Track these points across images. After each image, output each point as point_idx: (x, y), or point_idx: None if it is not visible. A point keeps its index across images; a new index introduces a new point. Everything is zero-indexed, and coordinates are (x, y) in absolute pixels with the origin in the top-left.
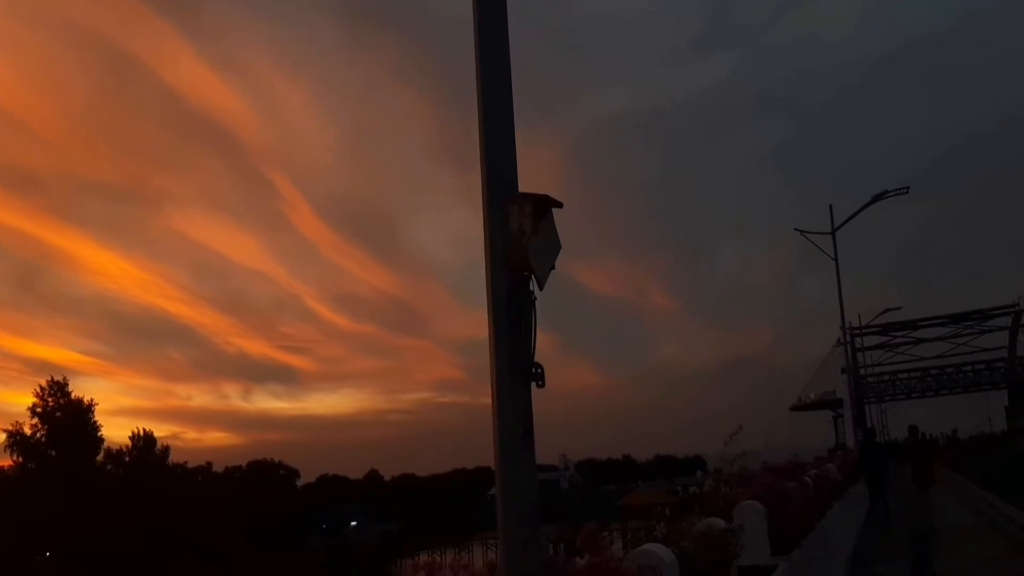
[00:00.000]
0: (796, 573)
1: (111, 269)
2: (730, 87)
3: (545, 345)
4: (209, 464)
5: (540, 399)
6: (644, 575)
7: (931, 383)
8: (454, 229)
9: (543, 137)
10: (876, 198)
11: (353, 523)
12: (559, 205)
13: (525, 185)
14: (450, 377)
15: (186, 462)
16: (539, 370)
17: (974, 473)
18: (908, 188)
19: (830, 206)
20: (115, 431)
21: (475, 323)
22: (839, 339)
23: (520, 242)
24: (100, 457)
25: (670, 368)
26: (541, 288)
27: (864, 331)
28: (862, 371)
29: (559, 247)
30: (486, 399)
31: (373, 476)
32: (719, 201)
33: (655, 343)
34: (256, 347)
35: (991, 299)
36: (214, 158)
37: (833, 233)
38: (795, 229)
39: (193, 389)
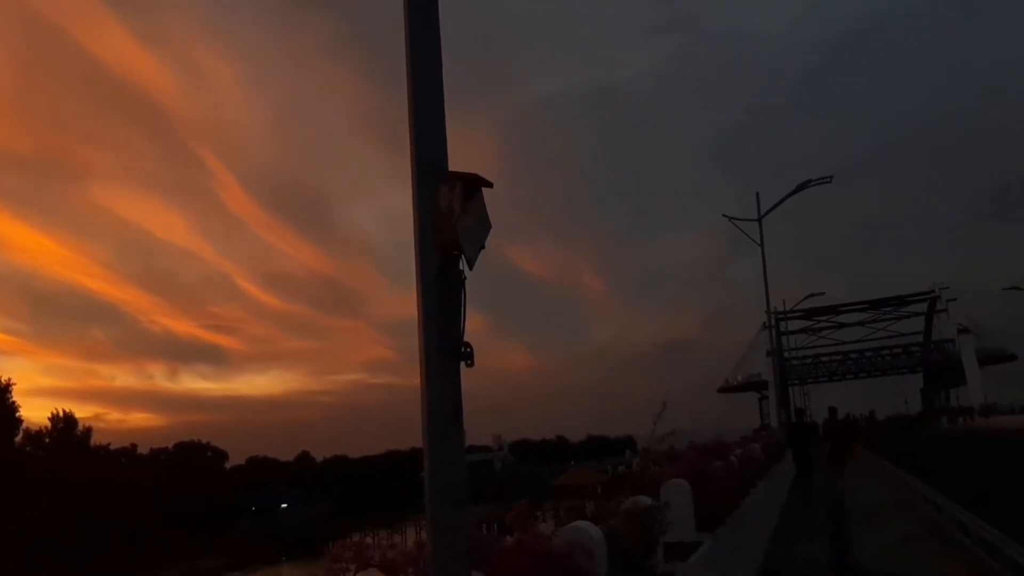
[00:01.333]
0: (720, 549)
1: (30, 245)
2: (669, 74)
3: (478, 327)
4: (134, 446)
5: (472, 380)
6: (572, 552)
7: (851, 366)
8: (386, 208)
9: (479, 119)
10: (800, 187)
11: (284, 505)
12: (489, 185)
13: (460, 166)
14: (382, 358)
15: (109, 444)
16: (468, 349)
17: (890, 453)
18: (831, 178)
19: (757, 193)
20: (34, 412)
21: (408, 304)
22: (765, 323)
23: (449, 221)
24: (19, 438)
25: (603, 350)
26: (471, 267)
27: (789, 315)
28: (786, 354)
29: (489, 227)
30: (418, 380)
31: (304, 458)
32: (654, 186)
33: (589, 325)
34: (183, 326)
35: (909, 287)
36: (139, 132)
37: (760, 220)
38: (724, 215)
39: (116, 369)
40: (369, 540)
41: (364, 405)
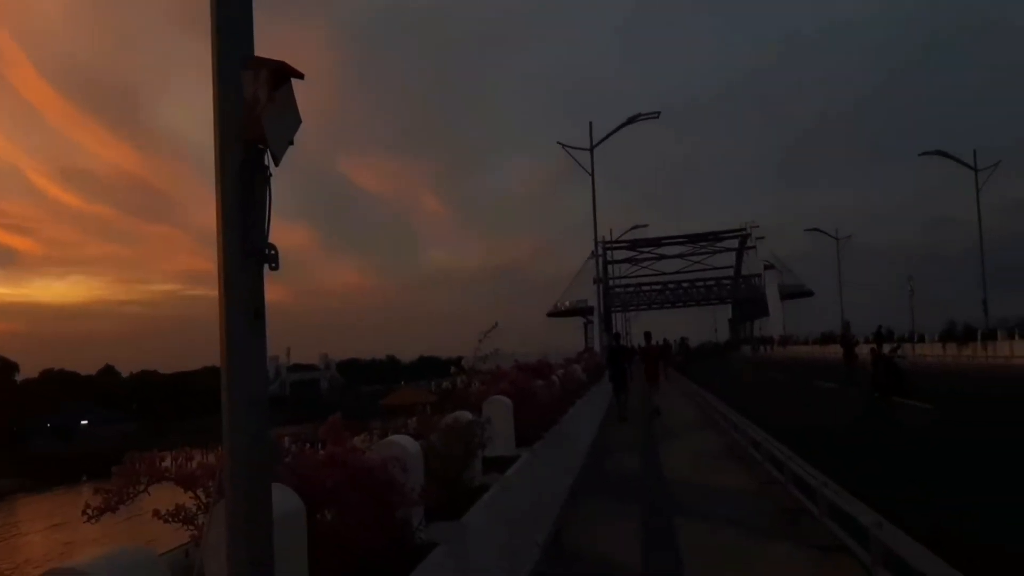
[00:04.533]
0: (537, 462)
1: None
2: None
3: (305, 240)
4: None
5: (299, 297)
6: (386, 465)
7: (669, 296)
8: (205, 105)
9: (318, 27)
10: (630, 120)
11: (84, 422)
12: (299, 76)
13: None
14: (199, 268)
15: None
16: (273, 251)
17: (698, 376)
18: (659, 113)
19: (590, 123)
20: None
21: None
22: (593, 252)
23: (253, 111)
24: None
25: (436, 271)
26: (277, 163)
27: (615, 245)
28: (611, 282)
29: (299, 121)
30: None
31: (108, 372)
32: (495, 111)
33: (423, 245)
34: None
35: (725, 224)
36: None
37: (591, 149)
38: (558, 143)
39: None
40: (166, 455)
41: (179, 318)
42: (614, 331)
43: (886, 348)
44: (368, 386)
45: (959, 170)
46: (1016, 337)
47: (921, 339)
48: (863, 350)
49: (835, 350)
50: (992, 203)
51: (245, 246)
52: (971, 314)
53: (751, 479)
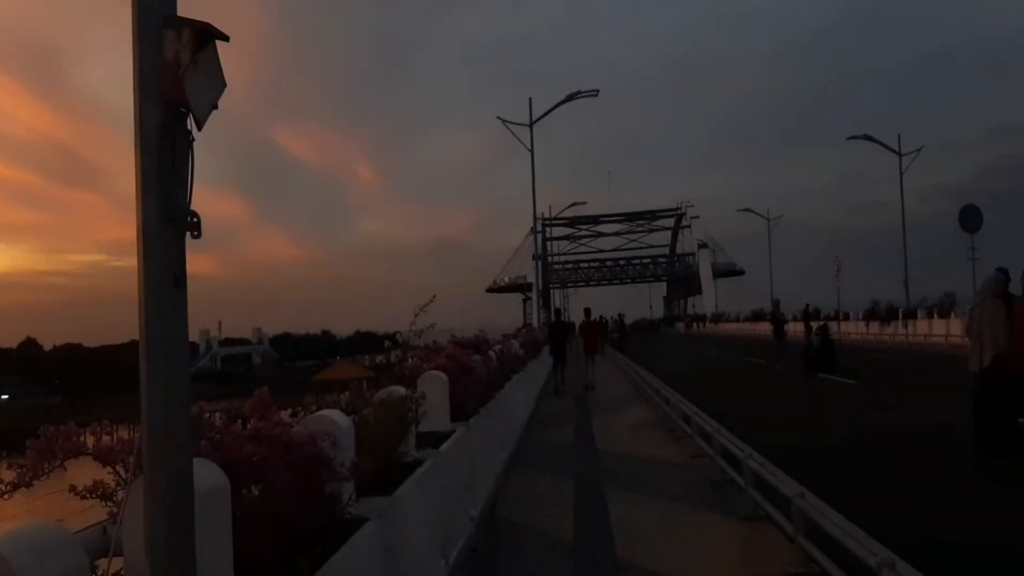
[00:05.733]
0: (472, 437)
1: None
2: None
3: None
4: None
5: (232, 269)
6: (315, 440)
7: (607, 273)
8: (127, 66)
9: None
10: (569, 97)
11: (4, 396)
12: (225, 38)
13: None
14: (126, 238)
15: None
16: (196, 219)
17: (632, 352)
18: (598, 91)
19: (529, 99)
20: None
21: None
22: (532, 228)
23: (175, 72)
24: None
25: (373, 244)
26: (200, 127)
27: (554, 222)
28: (551, 259)
29: (223, 85)
30: None
31: (29, 345)
32: (433, 83)
33: (358, 217)
34: None
35: (662, 203)
36: None
37: (531, 125)
38: (498, 118)
39: None
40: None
41: (105, 290)
42: (555, 307)
43: (813, 326)
44: (303, 361)
45: (885, 154)
46: (935, 316)
47: (846, 318)
48: (792, 328)
49: (765, 327)
50: (918, 188)
51: (164, 211)
52: (894, 294)
53: (681, 451)
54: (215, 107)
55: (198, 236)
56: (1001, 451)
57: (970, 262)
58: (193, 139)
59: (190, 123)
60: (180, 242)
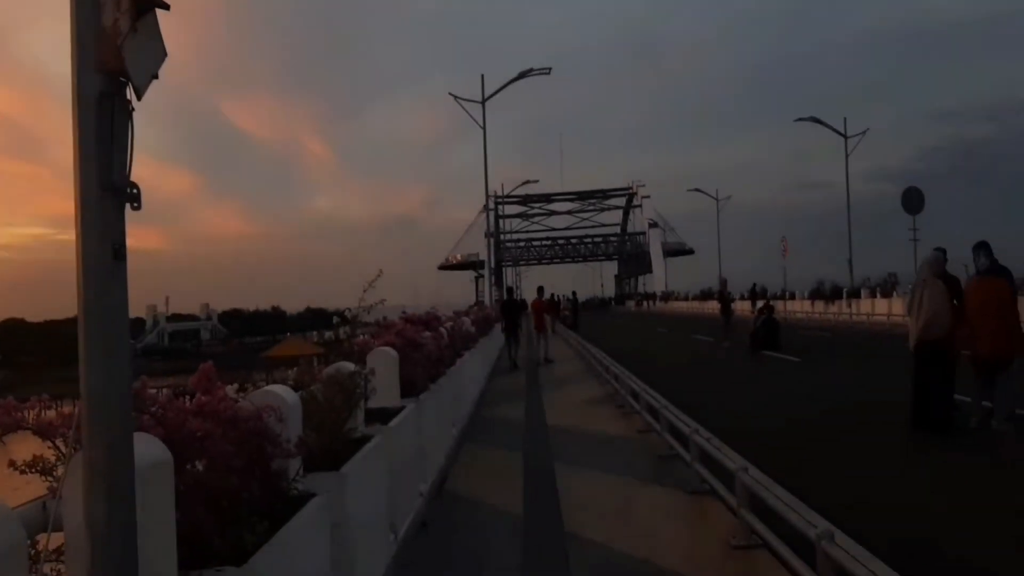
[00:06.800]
0: (422, 413)
1: None
2: None
3: (187, 186)
4: None
5: (180, 244)
6: (261, 415)
7: (559, 251)
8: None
9: None
10: (522, 75)
11: None
12: (165, 6)
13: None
14: (71, 211)
15: None
16: (136, 190)
17: (584, 329)
18: (550, 69)
19: (482, 76)
20: None
21: None
22: (484, 205)
23: (114, 41)
24: None
25: (324, 219)
26: (139, 97)
27: (506, 200)
28: (503, 237)
29: (164, 54)
30: None
31: None
32: (384, 55)
33: (309, 192)
34: None
35: (615, 181)
36: None
37: (483, 102)
38: (450, 94)
39: None
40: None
41: (48, 264)
42: (508, 285)
43: (758, 304)
44: (252, 337)
45: (833, 136)
46: (877, 295)
47: (792, 297)
48: (740, 306)
49: (713, 306)
50: (864, 169)
51: (103, 182)
52: (839, 273)
53: (629, 427)
54: (155, 76)
55: (138, 207)
56: (938, 427)
57: (912, 243)
58: (133, 109)
59: (130, 92)
60: (120, 213)
